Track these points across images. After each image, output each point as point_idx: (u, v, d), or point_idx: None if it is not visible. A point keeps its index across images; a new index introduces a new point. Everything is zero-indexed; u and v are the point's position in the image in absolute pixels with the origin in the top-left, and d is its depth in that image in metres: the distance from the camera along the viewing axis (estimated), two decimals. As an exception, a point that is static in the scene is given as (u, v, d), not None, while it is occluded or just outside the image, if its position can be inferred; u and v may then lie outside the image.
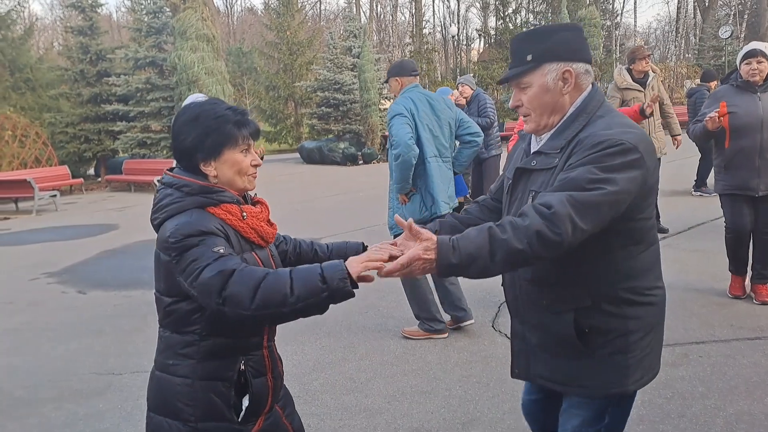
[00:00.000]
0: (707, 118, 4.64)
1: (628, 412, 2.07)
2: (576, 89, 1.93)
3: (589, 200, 1.71)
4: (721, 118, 4.60)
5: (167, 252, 1.82)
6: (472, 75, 8.80)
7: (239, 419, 1.91)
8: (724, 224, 5.09)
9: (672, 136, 7.53)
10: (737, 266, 5.09)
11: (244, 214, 1.92)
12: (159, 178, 2.05)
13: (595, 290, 1.89)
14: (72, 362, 4.78)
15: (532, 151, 2.04)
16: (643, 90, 6.87)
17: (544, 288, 1.96)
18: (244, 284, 1.69)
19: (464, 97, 8.16)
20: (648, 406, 3.42)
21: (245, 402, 1.93)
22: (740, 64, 4.78)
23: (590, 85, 1.96)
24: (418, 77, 4.79)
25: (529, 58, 1.92)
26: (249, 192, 2.04)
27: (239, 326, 1.85)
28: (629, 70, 6.97)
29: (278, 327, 2.10)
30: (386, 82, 4.93)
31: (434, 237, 1.73)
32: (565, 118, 1.94)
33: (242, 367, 1.92)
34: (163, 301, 1.92)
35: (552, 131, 1.96)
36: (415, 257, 1.69)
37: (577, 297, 1.90)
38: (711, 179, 9.28)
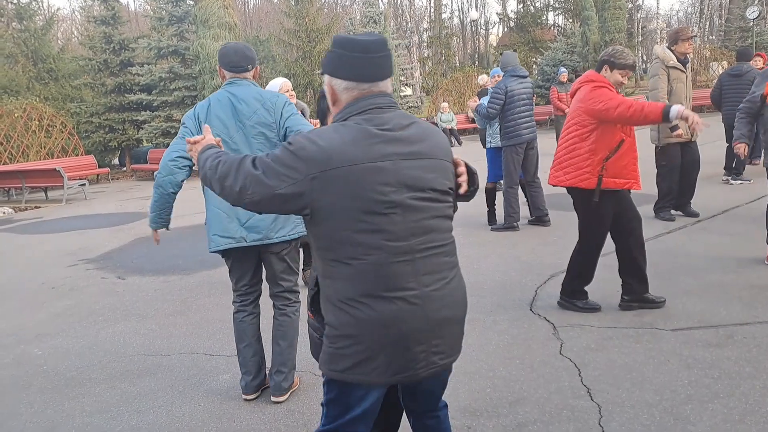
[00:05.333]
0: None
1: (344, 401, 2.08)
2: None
3: None
4: None
5: None
6: (513, 53, 7.92)
7: None
8: None
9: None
10: None
11: None
12: None
13: None
14: (119, 344, 4.88)
15: None
16: (685, 72, 6.73)
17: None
18: None
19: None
20: (695, 386, 3.43)
21: None
22: None
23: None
24: (247, 72, 3.57)
25: None
26: None
27: None
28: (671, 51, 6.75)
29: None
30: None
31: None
32: None
33: None
34: None
35: None
36: None
37: None
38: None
